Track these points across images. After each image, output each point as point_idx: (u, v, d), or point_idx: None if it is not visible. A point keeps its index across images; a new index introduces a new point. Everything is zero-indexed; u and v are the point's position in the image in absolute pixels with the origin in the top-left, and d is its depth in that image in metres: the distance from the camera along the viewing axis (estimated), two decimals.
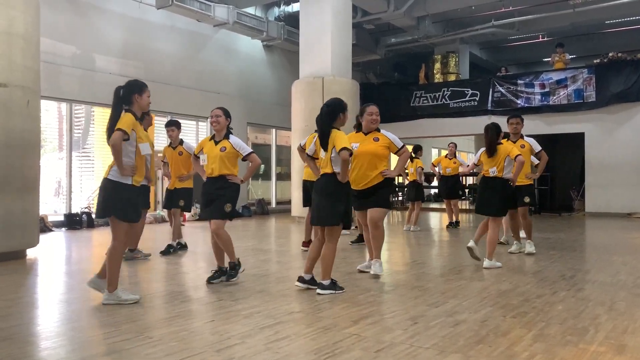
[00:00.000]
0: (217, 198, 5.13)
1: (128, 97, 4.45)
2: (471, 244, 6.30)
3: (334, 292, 4.71)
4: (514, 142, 7.09)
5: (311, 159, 5.21)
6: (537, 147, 7.20)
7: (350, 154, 4.67)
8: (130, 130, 4.31)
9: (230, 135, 5.29)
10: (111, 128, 4.33)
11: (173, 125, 7.28)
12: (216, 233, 5.14)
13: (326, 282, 4.74)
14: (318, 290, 4.69)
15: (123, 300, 4.36)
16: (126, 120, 4.31)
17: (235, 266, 5.24)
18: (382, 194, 5.51)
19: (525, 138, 7.23)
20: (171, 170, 7.32)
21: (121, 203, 4.33)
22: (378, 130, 5.61)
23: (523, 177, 7.01)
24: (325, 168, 4.80)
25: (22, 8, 6.78)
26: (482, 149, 6.43)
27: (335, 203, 4.71)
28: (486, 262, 6.08)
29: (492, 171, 6.21)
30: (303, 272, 4.93)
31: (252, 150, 5.36)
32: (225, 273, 5.21)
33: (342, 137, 4.68)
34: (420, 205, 10.74)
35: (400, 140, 5.64)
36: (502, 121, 14.88)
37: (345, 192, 4.79)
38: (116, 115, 4.37)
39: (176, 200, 7.28)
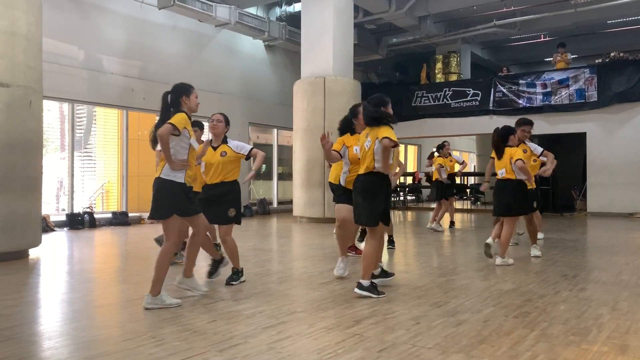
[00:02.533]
0: (219, 203, 5.08)
1: (176, 101, 4.37)
2: (489, 240, 6.34)
3: (371, 295, 4.52)
4: (517, 146, 7.09)
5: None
6: (538, 150, 7.25)
7: (395, 145, 4.51)
8: (182, 128, 4.22)
9: (229, 140, 5.25)
10: (155, 130, 4.27)
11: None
12: (223, 239, 5.15)
13: (365, 283, 4.57)
14: (355, 290, 4.57)
15: (167, 304, 4.21)
16: (179, 117, 4.22)
17: (237, 272, 5.19)
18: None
19: (527, 142, 7.21)
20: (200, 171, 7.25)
21: (177, 201, 4.24)
22: None
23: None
24: (363, 166, 4.68)
25: (25, 8, 6.79)
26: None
27: (374, 204, 4.60)
28: (498, 260, 6.16)
29: (501, 173, 6.28)
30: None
31: (251, 146, 5.36)
32: (220, 262, 5.25)
33: (387, 129, 4.60)
34: (446, 204, 10.23)
35: (400, 140, 5.61)
36: (504, 121, 14.82)
37: (385, 192, 4.66)
38: (164, 118, 4.27)
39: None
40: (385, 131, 4.55)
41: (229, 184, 5.15)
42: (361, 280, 4.59)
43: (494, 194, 6.53)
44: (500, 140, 6.32)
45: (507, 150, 6.27)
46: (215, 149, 5.18)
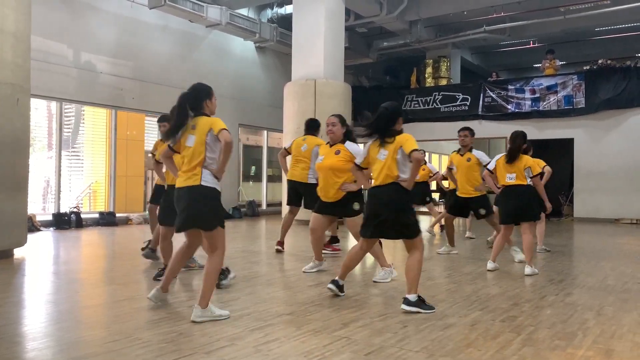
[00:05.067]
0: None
1: (199, 104, 4.11)
2: (491, 265, 6.17)
3: (420, 310, 4.16)
4: (462, 155, 7.25)
5: (361, 171, 4.75)
6: (485, 160, 7.04)
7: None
8: None
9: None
10: (173, 133, 4.02)
11: (166, 121, 7.09)
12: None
13: (413, 298, 4.20)
14: (403, 306, 4.19)
15: (217, 316, 3.91)
16: (220, 122, 3.99)
17: (224, 272, 5.18)
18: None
19: (473, 151, 7.27)
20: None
21: (220, 210, 4.02)
22: (343, 142, 5.70)
23: (471, 191, 7.12)
24: (382, 175, 4.34)
25: (14, 5, 6.72)
26: (499, 156, 6.36)
27: (407, 214, 4.32)
28: (528, 270, 5.90)
29: (511, 178, 6.08)
30: (337, 277, 4.73)
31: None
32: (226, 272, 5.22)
33: (410, 138, 4.33)
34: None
35: None
36: (493, 126, 14.87)
37: (411, 200, 4.46)
38: (183, 121, 4.04)
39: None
40: (411, 142, 4.26)
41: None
42: (408, 296, 4.22)
43: (502, 201, 6.21)
44: (520, 146, 6.14)
45: (523, 156, 6.13)
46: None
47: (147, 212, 11.59)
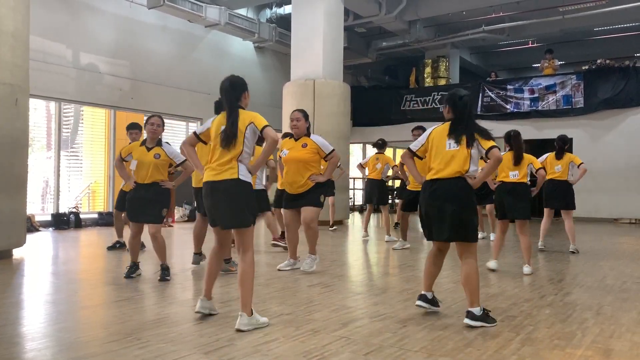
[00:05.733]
0: (152, 204, 5.33)
1: (240, 95, 4.04)
2: (492, 264, 6.17)
3: (485, 324, 3.78)
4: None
5: (412, 159, 4.28)
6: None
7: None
8: None
9: (163, 143, 5.51)
10: (233, 127, 3.81)
11: (137, 129, 7.37)
12: (154, 236, 5.39)
13: (477, 311, 3.80)
14: (466, 321, 3.78)
15: (261, 323, 3.74)
16: (261, 116, 3.94)
17: (168, 268, 5.50)
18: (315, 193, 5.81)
19: None
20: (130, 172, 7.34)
21: (254, 207, 3.87)
22: (307, 135, 5.88)
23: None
24: (449, 169, 3.91)
25: (12, 5, 6.71)
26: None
27: (473, 215, 3.93)
28: (526, 269, 5.94)
29: (514, 175, 6.13)
30: (423, 290, 4.18)
31: (184, 158, 5.41)
32: (138, 268, 5.57)
33: (488, 133, 4.00)
34: (489, 209, 9.20)
35: (391, 143, 5.73)
36: (491, 126, 14.82)
37: (474, 203, 4.01)
38: (235, 112, 3.91)
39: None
40: (489, 139, 3.94)
41: (159, 185, 5.42)
42: (471, 309, 3.81)
43: (501, 198, 6.19)
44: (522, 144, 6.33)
45: (527, 155, 6.27)
46: (149, 149, 5.42)
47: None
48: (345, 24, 13.51)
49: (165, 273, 5.45)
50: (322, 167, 5.96)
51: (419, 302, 4.08)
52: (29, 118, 7.44)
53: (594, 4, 14.30)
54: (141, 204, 5.35)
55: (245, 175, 3.79)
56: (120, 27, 12.21)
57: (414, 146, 4.16)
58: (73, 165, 11.88)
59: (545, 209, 8.04)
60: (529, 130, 14.73)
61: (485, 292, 4.98)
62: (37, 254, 7.43)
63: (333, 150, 5.82)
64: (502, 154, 6.26)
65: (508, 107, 15.18)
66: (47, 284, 5.41)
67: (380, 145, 9.32)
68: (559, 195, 7.83)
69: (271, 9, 15.67)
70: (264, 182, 7.43)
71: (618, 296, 4.89)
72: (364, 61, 17.75)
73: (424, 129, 7.44)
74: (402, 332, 3.65)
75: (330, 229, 11.11)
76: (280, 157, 6.00)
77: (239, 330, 3.60)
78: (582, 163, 7.87)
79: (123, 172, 5.68)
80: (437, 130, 4.07)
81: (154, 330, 3.65)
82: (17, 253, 7.08)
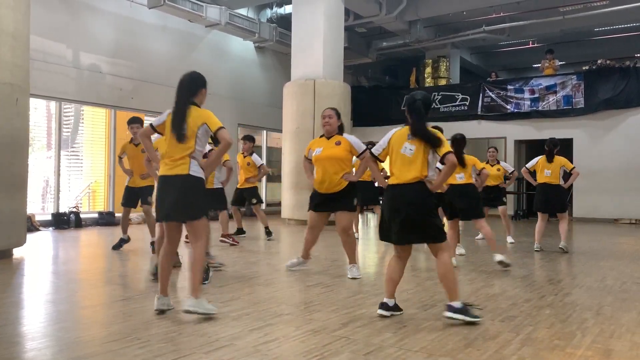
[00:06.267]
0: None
1: (195, 90, 4.09)
2: (458, 251, 6.51)
3: (466, 318, 3.84)
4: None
5: (375, 163, 4.33)
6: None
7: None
8: None
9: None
10: (180, 123, 3.92)
11: (138, 123, 7.30)
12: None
13: (457, 305, 3.88)
14: (447, 314, 3.88)
15: (208, 309, 3.94)
16: (215, 117, 4.01)
17: (206, 270, 5.19)
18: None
19: None
20: (133, 167, 7.43)
21: (205, 201, 4.09)
22: (340, 134, 5.75)
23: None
24: (409, 174, 3.98)
25: (12, 5, 6.71)
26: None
27: (434, 217, 4.00)
28: (498, 257, 6.23)
29: (460, 177, 6.35)
30: (385, 297, 4.12)
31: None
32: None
33: (442, 137, 4.04)
34: (502, 211, 9.13)
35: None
36: (492, 126, 14.89)
37: (434, 206, 4.13)
38: (184, 108, 3.98)
39: (135, 198, 7.44)
40: (445, 144, 3.97)
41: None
42: (451, 303, 3.90)
43: (451, 199, 6.38)
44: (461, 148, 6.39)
45: (469, 157, 6.48)
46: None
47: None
48: (345, 24, 13.52)
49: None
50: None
51: (380, 311, 4.04)
52: (29, 118, 7.44)
53: (595, 4, 14.30)
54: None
55: (196, 171, 3.94)
56: (121, 27, 12.21)
57: (376, 150, 4.24)
58: (73, 165, 11.89)
59: (539, 213, 8.03)
60: (529, 131, 14.76)
61: (485, 293, 4.98)
62: (37, 253, 7.44)
63: (366, 149, 5.44)
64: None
65: (508, 107, 15.19)
66: (47, 284, 5.42)
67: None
68: (552, 200, 7.84)
69: (271, 8, 15.67)
70: (221, 181, 7.45)
71: (618, 296, 4.89)
72: (365, 61, 17.75)
73: (438, 128, 7.51)
74: (402, 332, 3.66)
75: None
76: (305, 157, 5.89)
77: (187, 311, 3.85)
78: (573, 167, 7.88)
79: (151, 169, 5.59)
80: (396, 134, 4.14)
81: (154, 330, 3.65)
82: (17, 253, 7.08)
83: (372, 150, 4.29)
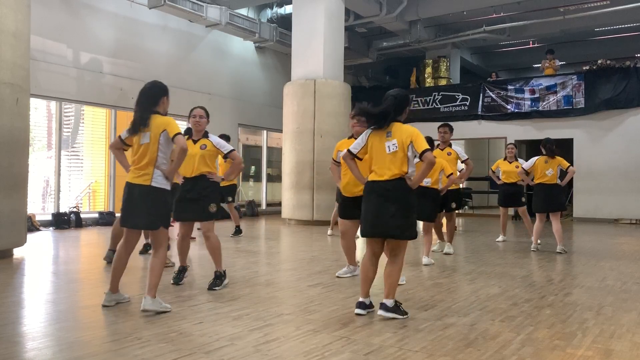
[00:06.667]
0: (199, 199, 5.00)
1: (157, 99, 4.24)
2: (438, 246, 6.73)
3: (397, 316, 3.96)
4: (442, 150, 7.50)
5: (354, 160, 4.31)
6: (464, 156, 7.51)
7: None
8: None
9: (209, 134, 5.23)
10: (135, 127, 4.13)
11: None
12: (205, 236, 5.09)
13: (390, 303, 3.97)
14: (380, 312, 3.97)
15: (164, 307, 4.11)
16: (176, 124, 4.18)
17: (220, 276, 5.06)
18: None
19: (453, 146, 7.52)
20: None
21: (168, 211, 4.27)
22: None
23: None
24: (390, 171, 4.01)
25: (13, 5, 6.72)
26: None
27: (411, 215, 4.04)
28: (425, 260, 6.56)
29: (426, 182, 6.42)
30: (361, 297, 4.16)
31: (232, 147, 5.28)
32: (186, 271, 5.27)
33: (420, 134, 4.05)
34: (522, 212, 9.13)
35: None
36: (492, 126, 14.87)
37: (414, 202, 4.11)
38: (146, 116, 4.14)
39: None
40: (422, 140, 4.00)
41: (207, 179, 5.09)
42: (385, 301, 3.98)
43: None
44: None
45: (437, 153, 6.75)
46: (195, 142, 5.14)
47: None
48: (345, 24, 13.52)
49: (215, 282, 4.97)
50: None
51: (357, 311, 4.09)
52: (30, 117, 7.44)
53: (595, 4, 14.30)
54: (188, 200, 5.02)
55: (159, 182, 4.11)
56: (121, 27, 12.21)
57: (354, 148, 4.24)
58: (74, 165, 11.89)
59: (537, 214, 7.96)
60: (529, 131, 14.75)
61: (485, 293, 4.98)
62: (37, 253, 7.44)
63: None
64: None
65: (509, 107, 15.18)
66: (48, 284, 5.41)
67: None
68: (549, 199, 7.81)
69: (272, 9, 15.68)
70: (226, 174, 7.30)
71: (618, 297, 4.89)
72: (365, 61, 17.75)
73: (449, 126, 7.55)
74: (402, 332, 3.66)
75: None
76: (333, 159, 5.64)
77: (144, 310, 4.02)
78: (569, 166, 7.86)
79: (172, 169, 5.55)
80: (375, 132, 4.15)
81: (154, 330, 3.65)
82: (17, 252, 7.09)
83: (350, 148, 4.31)
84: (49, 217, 10.81)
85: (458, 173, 7.65)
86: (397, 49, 17.66)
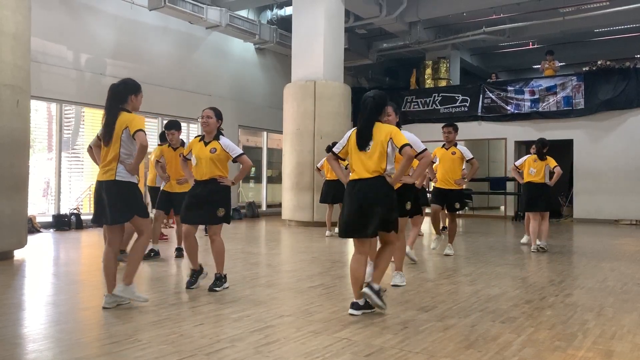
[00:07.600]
0: (208, 202, 4.97)
1: (124, 97, 4.36)
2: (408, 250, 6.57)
3: (378, 302, 4.08)
4: (447, 150, 7.47)
5: (337, 161, 4.41)
6: (468, 155, 7.42)
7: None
8: None
9: (221, 137, 5.14)
10: (110, 126, 4.25)
11: (173, 129, 7.05)
12: (212, 239, 5.05)
13: (377, 287, 4.13)
14: (365, 290, 4.06)
15: (136, 296, 4.33)
16: (141, 120, 4.27)
17: (220, 278, 5.05)
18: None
19: (458, 146, 7.48)
20: (170, 172, 6.98)
21: (139, 201, 4.35)
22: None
23: (452, 183, 7.32)
24: (369, 169, 4.08)
25: (13, 7, 6.73)
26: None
27: (393, 211, 4.11)
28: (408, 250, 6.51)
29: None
30: (355, 298, 4.19)
31: (242, 151, 5.21)
32: (200, 274, 5.14)
33: (401, 133, 4.14)
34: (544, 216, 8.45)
35: None
36: (492, 127, 14.92)
37: (396, 198, 4.20)
38: (115, 113, 4.27)
39: (169, 204, 7.04)
40: (401, 136, 4.08)
41: (218, 182, 5.04)
42: (374, 284, 4.11)
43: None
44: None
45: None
46: (206, 144, 5.07)
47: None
48: (345, 25, 13.53)
49: (215, 283, 4.98)
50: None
51: (351, 311, 4.12)
52: (30, 119, 7.45)
53: (595, 5, 14.31)
54: (195, 202, 5.02)
55: (122, 176, 4.21)
56: (122, 29, 12.22)
57: (336, 148, 4.33)
58: (74, 167, 11.89)
59: (528, 214, 8.05)
60: (529, 132, 14.75)
61: (486, 294, 4.98)
62: (38, 255, 7.44)
63: (425, 149, 4.69)
64: None
65: (508, 108, 15.19)
66: (48, 285, 5.42)
67: None
68: (536, 198, 7.95)
69: (272, 10, 15.68)
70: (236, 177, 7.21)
71: (619, 297, 4.89)
72: (365, 62, 17.76)
73: (453, 126, 7.53)
74: (403, 334, 3.65)
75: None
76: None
77: (113, 295, 4.22)
78: (556, 166, 7.92)
79: (187, 171, 5.33)
80: (355, 132, 4.22)
81: (155, 332, 3.65)
82: (18, 254, 7.09)
83: (333, 149, 4.38)
84: (50, 219, 10.81)
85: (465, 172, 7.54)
86: (397, 50, 17.67)
